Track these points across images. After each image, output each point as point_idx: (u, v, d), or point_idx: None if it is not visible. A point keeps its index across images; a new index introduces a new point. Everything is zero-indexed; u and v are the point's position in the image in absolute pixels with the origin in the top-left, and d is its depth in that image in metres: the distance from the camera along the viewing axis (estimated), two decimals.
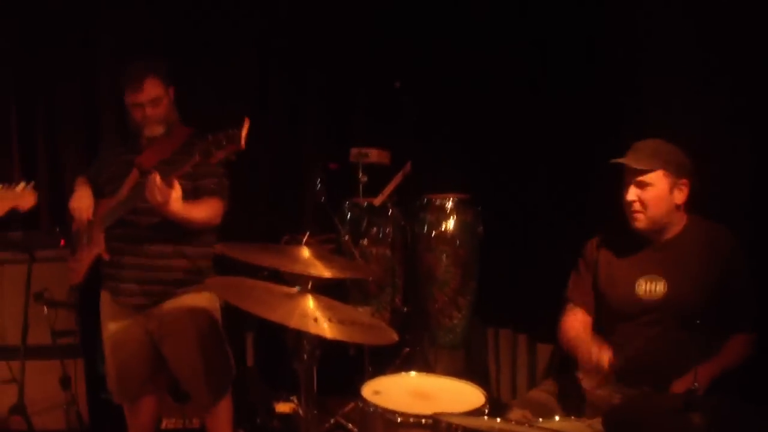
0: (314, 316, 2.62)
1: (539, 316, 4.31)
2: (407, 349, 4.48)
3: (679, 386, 2.79)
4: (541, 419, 2.75)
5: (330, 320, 2.62)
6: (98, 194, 3.50)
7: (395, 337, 2.81)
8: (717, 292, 2.90)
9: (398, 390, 2.98)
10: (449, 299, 4.37)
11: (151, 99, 3.39)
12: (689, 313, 2.88)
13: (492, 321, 4.71)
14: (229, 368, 3.63)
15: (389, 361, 4.46)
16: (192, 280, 3.47)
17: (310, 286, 2.77)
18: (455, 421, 2.32)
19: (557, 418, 2.77)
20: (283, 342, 4.41)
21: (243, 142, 2.87)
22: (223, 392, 3.61)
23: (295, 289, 2.78)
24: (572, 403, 3.02)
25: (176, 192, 3.14)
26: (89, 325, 4.10)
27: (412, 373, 3.18)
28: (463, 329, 4.47)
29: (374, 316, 4.28)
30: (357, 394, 4.08)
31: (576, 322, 3.15)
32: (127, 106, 3.45)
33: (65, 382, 4.01)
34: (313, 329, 2.57)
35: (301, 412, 4.16)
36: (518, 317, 4.54)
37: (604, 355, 2.81)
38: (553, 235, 4.21)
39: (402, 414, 2.70)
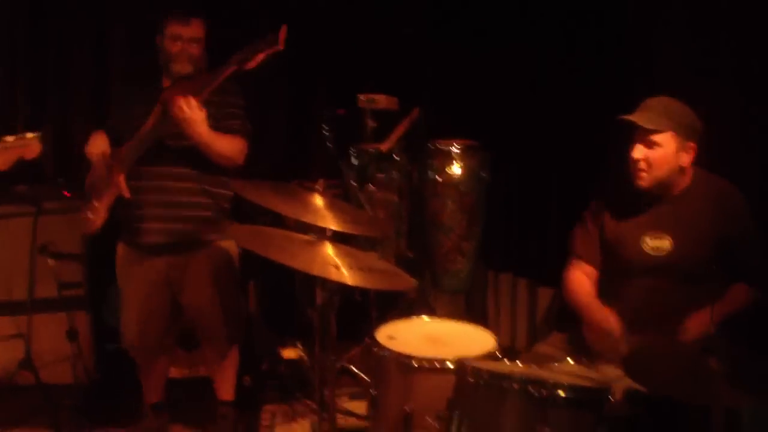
0: (335, 263, 2.61)
1: (541, 261, 4.35)
2: (412, 294, 4.48)
3: (690, 327, 2.82)
4: (556, 363, 2.77)
5: (351, 267, 2.61)
6: (117, 143, 3.46)
7: (413, 282, 2.81)
8: (723, 247, 2.92)
9: (412, 335, 2.97)
10: (454, 244, 4.38)
11: (193, 37, 3.42)
12: (695, 268, 2.92)
13: (492, 264, 4.72)
14: (243, 316, 3.68)
15: (393, 306, 4.48)
16: (215, 220, 3.48)
17: (329, 233, 2.75)
18: (479, 365, 2.31)
19: (570, 361, 2.78)
20: (290, 288, 4.41)
21: (282, 43, 2.90)
22: (237, 340, 3.66)
23: (313, 236, 2.77)
24: (579, 355, 3.03)
25: (203, 112, 3.17)
26: (95, 276, 4.09)
27: (425, 318, 3.19)
28: (467, 274, 4.49)
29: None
30: (361, 339, 4.15)
31: (583, 279, 3.16)
32: (163, 39, 3.44)
33: (72, 335, 3.95)
34: (334, 276, 2.56)
35: (305, 357, 4.21)
36: (520, 261, 4.56)
37: (616, 324, 2.84)
38: (559, 183, 4.23)
39: (420, 359, 2.70)
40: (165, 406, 3.75)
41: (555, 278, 4.25)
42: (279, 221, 3.78)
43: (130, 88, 3.71)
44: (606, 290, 3.08)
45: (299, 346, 4.30)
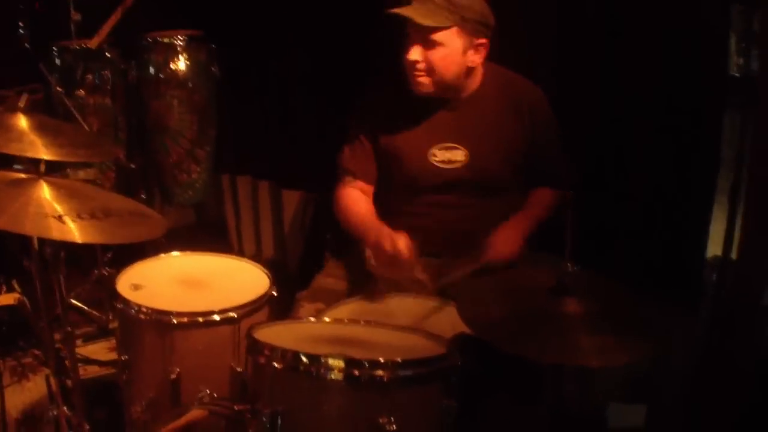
0: (56, 212, 1.99)
1: (284, 162, 3.91)
2: None
3: (493, 246, 2.47)
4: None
5: (79, 215, 2.01)
6: None
7: (164, 226, 2.26)
8: (524, 151, 2.61)
9: (163, 279, 2.49)
10: (186, 151, 3.83)
11: None
12: (494, 179, 2.60)
13: (228, 168, 4.22)
14: None
15: None
16: None
17: (43, 168, 2.12)
18: (281, 346, 1.79)
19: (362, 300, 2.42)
20: None
21: None
22: None
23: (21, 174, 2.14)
24: (364, 283, 2.60)
25: None
26: None
27: (175, 253, 2.67)
28: (203, 184, 3.99)
29: (98, 178, 3.67)
30: (88, 270, 3.56)
31: (357, 195, 2.68)
32: None
33: None
34: (56, 234, 1.94)
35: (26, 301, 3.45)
36: (259, 163, 4.08)
37: (401, 242, 2.34)
38: (303, 74, 3.72)
39: (180, 314, 2.23)
40: None
41: (301, 180, 3.89)
42: None
43: None
44: (388, 209, 2.63)
45: (16, 288, 3.62)
